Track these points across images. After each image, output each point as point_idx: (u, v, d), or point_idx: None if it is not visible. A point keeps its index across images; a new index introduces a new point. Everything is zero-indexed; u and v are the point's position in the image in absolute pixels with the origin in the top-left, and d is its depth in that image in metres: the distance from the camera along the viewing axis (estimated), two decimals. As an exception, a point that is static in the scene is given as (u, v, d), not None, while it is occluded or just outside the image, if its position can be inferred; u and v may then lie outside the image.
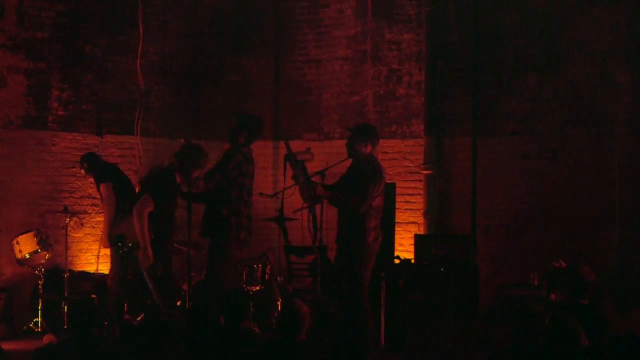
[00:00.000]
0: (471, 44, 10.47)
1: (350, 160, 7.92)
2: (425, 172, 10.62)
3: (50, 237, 9.70)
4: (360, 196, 7.54)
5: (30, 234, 9.49)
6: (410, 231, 10.52)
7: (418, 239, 9.69)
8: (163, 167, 8.28)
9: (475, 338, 6.84)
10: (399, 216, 10.34)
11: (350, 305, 7.51)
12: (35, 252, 9.45)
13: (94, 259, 10.45)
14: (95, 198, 10.31)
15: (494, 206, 10.31)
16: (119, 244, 7.97)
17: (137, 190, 9.22)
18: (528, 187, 10.20)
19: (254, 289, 9.28)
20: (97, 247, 10.43)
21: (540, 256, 9.72)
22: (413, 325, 7.70)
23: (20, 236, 9.50)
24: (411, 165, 10.82)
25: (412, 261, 9.44)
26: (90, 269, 10.34)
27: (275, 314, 8.96)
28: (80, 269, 10.27)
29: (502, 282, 9.34)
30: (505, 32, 10.34)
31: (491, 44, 10.40)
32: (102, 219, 10.05)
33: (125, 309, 8.85)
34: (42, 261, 9.53)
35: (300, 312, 5.93)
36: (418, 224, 10.65)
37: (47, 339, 8.47)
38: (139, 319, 8.89)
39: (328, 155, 10.46)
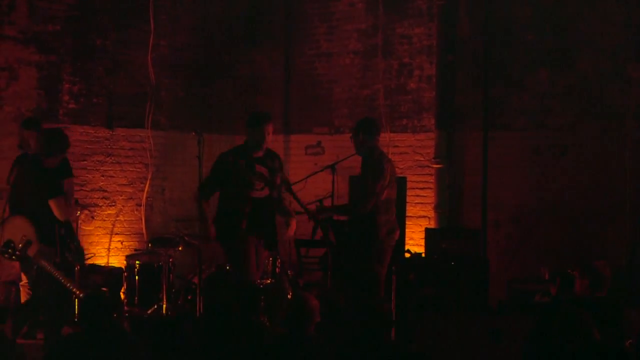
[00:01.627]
0: (482, 38, 10.44)
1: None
2: (436, 166, 10.61)
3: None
4: (364, 202, 7.55)
5: (41, 227, 9.48)
6: (420, 225, 10.52)
7: (429, 233, 9.69)
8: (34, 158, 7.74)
9: (486, 332, 6.84)
10: (410, 210, 10.35)
11: (365, 300, 7.51)
12: (46, 245, 9.45)
13: (104, 251, 10.47)
14: (105, 191, 10.35)
15: (504, 201, 10.30)
16: (9, 251, 7.22)
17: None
18: (539, 181, 10.18)
19: (265, 283, 9.29)
20: (108, 240, 10.45)
21: (550, 251, 9.73)
22: (423, 320, 7.70)
23: (32, 229, 9.50)
24: (422, 159, 10.81)
25: (423, 255, 9.44)
26: (101, 261, 10.36)
27: (286, 308, 8.96)
28: (91, 262, 10.27)
29: (512, 277, 9.34)
30: (517, 26, 10.31)
31: (502, 38, 10.38)
32: (112, 211, 10.10)
33: (136, 301, 8.89)
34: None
35: (310, 306, 5.94)
36: (429, 217, 10.64)
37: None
38: (149, 312, 8.94)
39: (339, 149, 10.51)
